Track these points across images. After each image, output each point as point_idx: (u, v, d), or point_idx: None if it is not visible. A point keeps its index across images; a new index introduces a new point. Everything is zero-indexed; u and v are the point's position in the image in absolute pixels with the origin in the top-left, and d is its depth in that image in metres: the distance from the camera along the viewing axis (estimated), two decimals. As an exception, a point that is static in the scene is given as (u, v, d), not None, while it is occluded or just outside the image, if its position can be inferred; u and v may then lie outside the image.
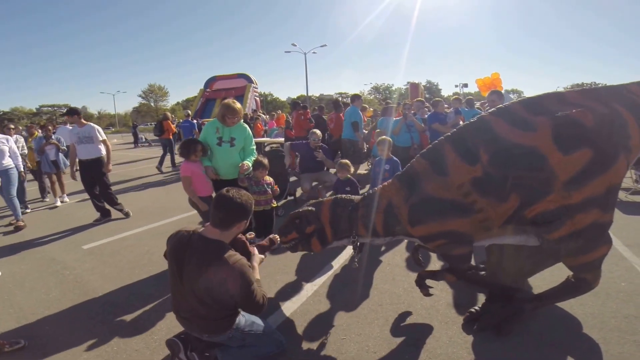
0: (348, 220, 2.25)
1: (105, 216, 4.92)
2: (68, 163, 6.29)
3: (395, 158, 3.97)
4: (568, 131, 1.81)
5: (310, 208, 2.33)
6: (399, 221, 2.15)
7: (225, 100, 3.36)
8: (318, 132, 5.27)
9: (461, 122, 5.30)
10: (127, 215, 5.02)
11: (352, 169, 4.04)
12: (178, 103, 55.12)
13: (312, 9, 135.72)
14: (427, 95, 26.57)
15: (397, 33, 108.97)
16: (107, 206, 4.95)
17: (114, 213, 5.01)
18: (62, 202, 6.14)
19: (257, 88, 18.16)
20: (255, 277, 1.83)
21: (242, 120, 3.45)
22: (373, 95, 56.95)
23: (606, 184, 1.81)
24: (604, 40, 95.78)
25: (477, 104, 7.17)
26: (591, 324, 2.19)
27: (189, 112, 11.61)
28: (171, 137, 10.36)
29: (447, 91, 55.57)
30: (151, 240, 4.02)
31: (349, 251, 3.43)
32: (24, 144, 6.10)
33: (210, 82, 18.26)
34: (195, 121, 11.08)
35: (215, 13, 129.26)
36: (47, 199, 6.41)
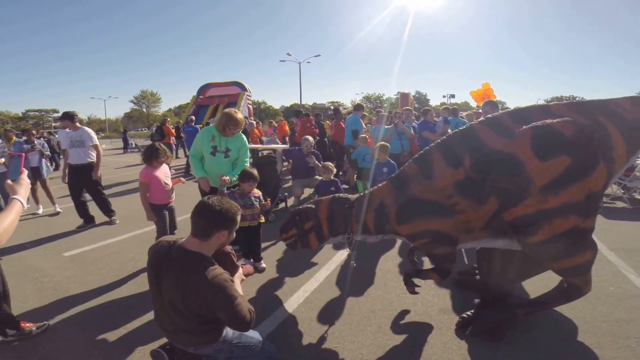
0: (343, 218, 2.36)
1: (88, 222, 4.76)
2: (51, 169, 6.11)
3: (392, 161, 4.15)
4: (546, 139, 1.88)
5: (310, 205, 2.44)
6: (388, 220, 2.25)
7: (227, 110, 3.19)
8: (310, 138, 5.30)
9: (449, 131, 5.39)
10: (113, 222, 4.87)
11: (334, 171, 4.13)
12: (170, 109, 54.68)
13: (308, 20, 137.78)
14: (416, 105, 27.09)
15: (389, 45, 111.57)
16: (92, 213, 4.78)
17: (99, 219, 4.86)
18: (54, 211, 5.76)
19: (250, 96, 18.18)
20: (239, 293, 1.71)
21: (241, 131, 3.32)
22: (364, 105, 57.79)
23: (585, 191, 1.87)
24: (585, 56, 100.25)
25: (463, 114, 7.58)
26: (584, 329, 2.19)
27: (193, 117, 12.24)
28: (171, 141, 10.66)
29: (435, 101, 56.75)
30: (136, 248, 3.89)
31: (340, 257, 3.39)
32: (5, 148, 5.90)
33: (204, 88, 18.17)
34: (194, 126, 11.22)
35: (211, 22, 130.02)
36: (29, 204, 6.19)
